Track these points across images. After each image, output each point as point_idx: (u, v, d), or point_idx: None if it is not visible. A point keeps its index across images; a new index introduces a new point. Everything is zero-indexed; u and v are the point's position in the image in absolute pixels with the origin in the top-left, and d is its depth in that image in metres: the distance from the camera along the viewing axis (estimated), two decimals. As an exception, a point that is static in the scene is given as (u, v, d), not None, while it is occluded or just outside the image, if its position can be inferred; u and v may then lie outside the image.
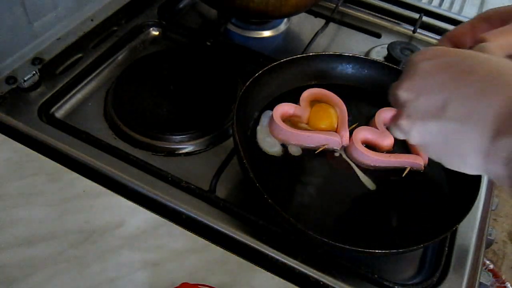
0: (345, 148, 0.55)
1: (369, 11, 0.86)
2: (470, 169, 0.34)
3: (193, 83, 0.66)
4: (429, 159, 0.54)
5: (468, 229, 0.53)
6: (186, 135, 0.59)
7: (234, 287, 0.44)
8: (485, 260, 0.96)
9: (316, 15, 0.83)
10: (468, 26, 0.44)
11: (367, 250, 0.44)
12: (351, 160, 0.55)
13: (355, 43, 0.80)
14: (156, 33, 0.76)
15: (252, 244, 0.49)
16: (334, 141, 0.54)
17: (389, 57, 0.75)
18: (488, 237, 0.55)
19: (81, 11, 0.69)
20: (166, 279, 0.44)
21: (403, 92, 0.36)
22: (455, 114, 0.32)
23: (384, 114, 0.57)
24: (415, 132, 0.36)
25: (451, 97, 0.32)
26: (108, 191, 0.50)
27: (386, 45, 0.77)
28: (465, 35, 0.44)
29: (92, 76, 0.66)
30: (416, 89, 0.35)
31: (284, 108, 0.56)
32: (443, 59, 0.34)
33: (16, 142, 0.54)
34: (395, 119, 0.38)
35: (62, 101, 0.62)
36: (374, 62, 0.62)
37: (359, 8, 0.87)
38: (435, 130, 0.34)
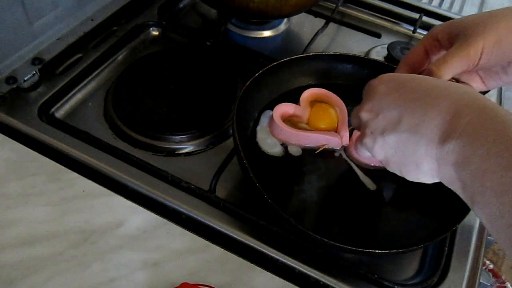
0: (345, 148, 0.55)
1: (369, 11, 0.86)
2: (426, 177, 0.37)
3: (193, 83, 0.66)
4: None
5: (468, 229, 0.53)
6: (186, 135, 0.59)
7: (234, 287, 0.44)
8: (485, 260, 0.96)
9: (316, 15, 0.83)
10: (421, 49, 0.48)
11: (367, 250, 0.44)
12: (351, 160, 0.55)
13: (355, 43, 0.80)
14: (156, 33, 0.76)
15: (252, 244, 0.49)
16: (334, 141, 0.54)
17: (389, 57, 0.75)
18: (488, 237, 0.55)
19: (81, 11, 0.69)
20: (166, 279, 0.44)
21: (365, 114, 0.40)
22: (407, 125, 0.36)
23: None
24: (378, 147, 0.40)
25: (403, 112, 0.37)
26: (108, 191, 0.50)
27: (386, 45, 0.77)
28: (420, 58, 0.49)
29: (92, 76, 0.66)
30: (375, 109, 0.39)
31: (284, 108, 0.56)
32: (393, 82, 0.40)
33: (16, 142, 0.54)
34: (359, 139, 0.42)
35: (62, 101, 0.62)
36: (374, 62, 0.62)
37: (359, 8, 0.87)
38: (393, 142, 0.38)
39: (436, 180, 0.37)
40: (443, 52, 0.47)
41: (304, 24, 0.82)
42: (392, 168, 0.40)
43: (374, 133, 0.39)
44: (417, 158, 0.36)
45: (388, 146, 0.38)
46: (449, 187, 0.35)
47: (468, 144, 0.32)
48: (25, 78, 0.60)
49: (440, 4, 0.90)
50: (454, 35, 0.45)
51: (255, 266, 0.46)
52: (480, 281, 0.50)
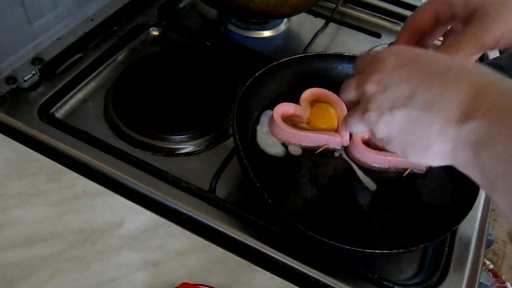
0: (345, 148, 0.55)
1: (369, 11, 0.86)
2: (433, 159, 0.35)
3: (193, 83, 0.66)
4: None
5: (468, 229, 0.53)
6: (186, 135, 0.59)
7: (234, 287, 0.44)
8: (485, 260, 0.96)
9: (316, 15, 0.83)
10: (430, 13, 0.44)
11: (367, 250, 0.44)
12: (351, 160, 0.55)
13: (355, 43, 0.80)
14: (156, 33, 0.76)
15: (252, 244, 0.49)
16: (334, 141, 0.54)
17: (389, 57, 0.75)
18: (488, 237, 0.55)
19: (81, 11, 0.69)
20: (166, 279, 0.44)
21: (371, 86, 0.36)
22: (421, 102, 0.33)
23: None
24: (383, 123, 0.36)
25: (417, 86, 0.33)
26: (108, 191, 0.50)
27: (386, 45, 0.77)
28: (427, 24, 0.44)
29: (92, 76, 0.66)
30: (383, 82, 0.35)
31: (284, 108, 0.56)
32: (405, 55, 0.36)
33: (16, 142, 0.54)
34: (356, 113, 0.38)
35: (62, 101, 0.62)
36: (374, 62, 0.62)
37: (359, 8, 0.87)
38: (402, 119, 0.34)
39: (444, 164, 0.34)
40: (455, 23, 0.43)
41: (304, 24, 0.82)
42: (393, 148, 0.37)
43: (381, 108, 0.36)
44: (428, 137, 0.33)
45: (395, 123, 0.35)
46: (463, 171, 0.33)
47: (492, 124, 0.29)
48: (25, 78, 0.60)
49: (440, 4, 0.89)
50: (472, 8, 0.41)
51: (255, 266, 0.46)
52: (480, 281, 0.50)
